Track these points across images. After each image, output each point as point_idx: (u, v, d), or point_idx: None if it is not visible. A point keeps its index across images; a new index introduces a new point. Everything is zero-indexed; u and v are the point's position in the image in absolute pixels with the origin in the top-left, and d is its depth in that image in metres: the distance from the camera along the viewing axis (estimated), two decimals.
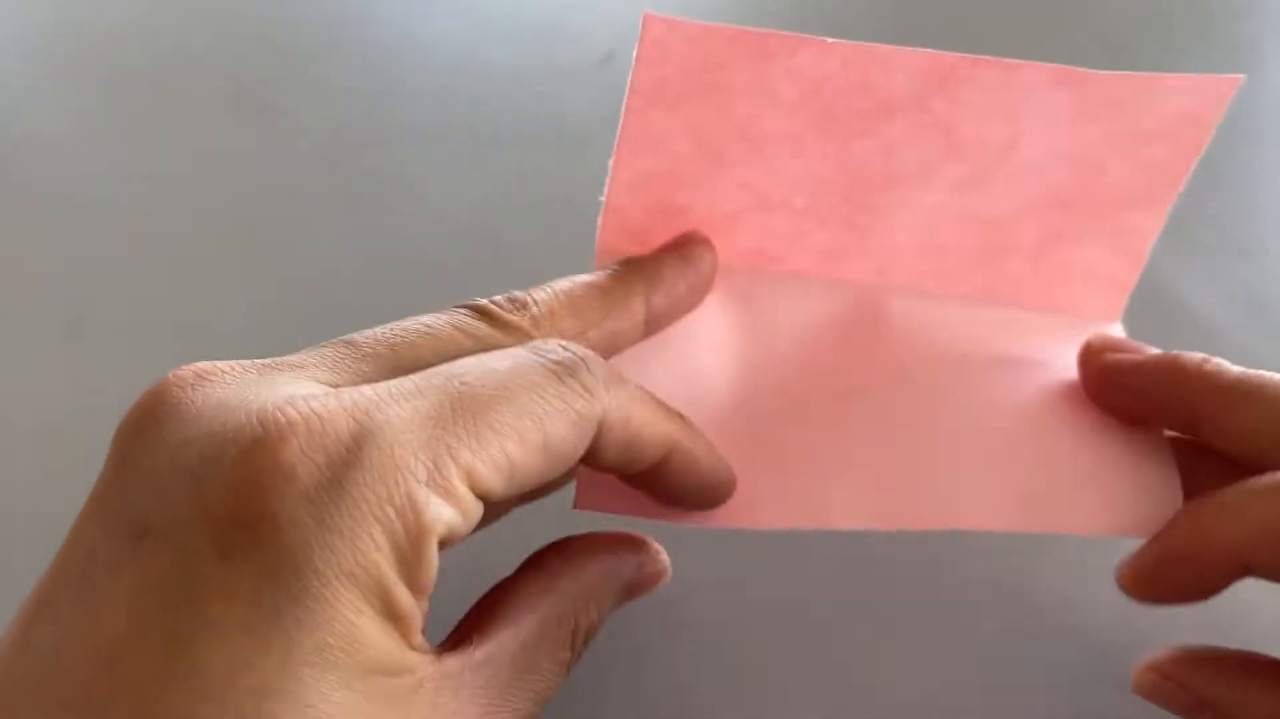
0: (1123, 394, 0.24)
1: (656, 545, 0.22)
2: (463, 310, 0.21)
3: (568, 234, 0.38)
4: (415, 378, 0.18)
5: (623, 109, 0.23)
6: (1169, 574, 0.22)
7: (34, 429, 0.32)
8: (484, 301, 0.21)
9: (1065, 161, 0.25)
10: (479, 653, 0.18)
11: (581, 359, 0.19)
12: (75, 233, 0.38)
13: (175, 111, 0.44)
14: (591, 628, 0.20)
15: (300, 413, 0.16)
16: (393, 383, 0.18)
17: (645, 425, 0.20)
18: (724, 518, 0.23)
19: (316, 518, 0.16)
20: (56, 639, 0.16)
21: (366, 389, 0.17)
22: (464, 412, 0.17)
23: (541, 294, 0.22)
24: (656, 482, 0.21)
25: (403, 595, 0.17)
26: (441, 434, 0.17)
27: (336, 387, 0.18)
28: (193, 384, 0.18)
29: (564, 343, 0.19)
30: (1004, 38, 0.49)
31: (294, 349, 0.36)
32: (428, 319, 0.20)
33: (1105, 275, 0.26)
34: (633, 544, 0.22)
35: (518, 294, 0.21)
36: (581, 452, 0.19)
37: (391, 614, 0.16)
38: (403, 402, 0.17)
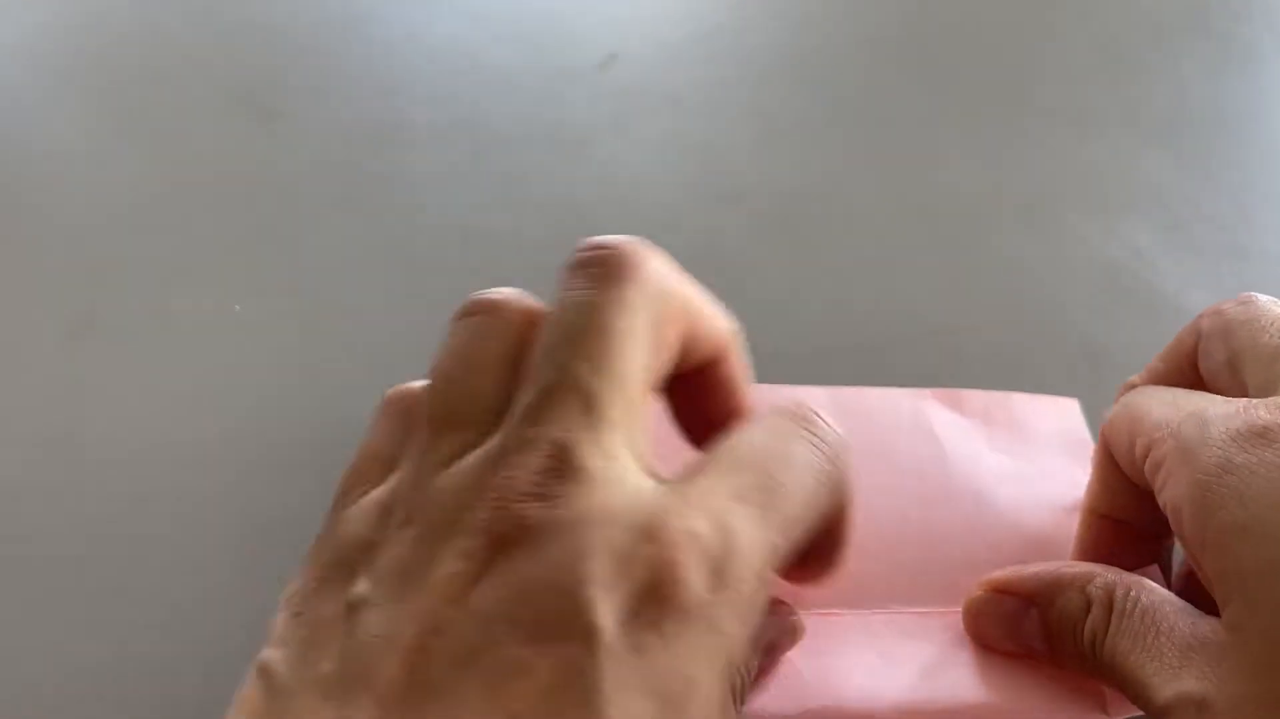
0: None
1: (790, 607, 0.24)
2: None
3: (568, 234, 0.38)
4: (736, 474, 0.19)
5: None
6: None
7: (35, 429, 0.32)
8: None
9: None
10: None
11: (809, 414, 0.21)
12: (78, 233, 0.38)
13: (178, 113, 0.44)
14: (743, 688, 0.21)
15: (685, 532, 0.18)
16: (724, 482, 0.19)
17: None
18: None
19: (703, 621, 0.17)
20: None
21: (711, 494, 0.19)
22: (775, 505, 0.19)
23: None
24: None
25: (745, 681, 0.19)
26: (768, 534, 0.19)
27: (642, 462, 0.19)
28: (537, 502, 0.18)
29: (832, 423, 0.21)
30: (1003, 41, 0.49)
31: (295, 349, 0.36)
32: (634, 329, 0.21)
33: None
34: (773, 606, 0.23)
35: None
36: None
37: (737, 700, 0.19)
38: (740, 505, 0.19)
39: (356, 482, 0.21)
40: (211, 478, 0.31)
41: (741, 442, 0.20)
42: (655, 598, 0.17)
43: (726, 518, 0.18)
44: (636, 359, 0.20)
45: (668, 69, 0.47)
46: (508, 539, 0.17)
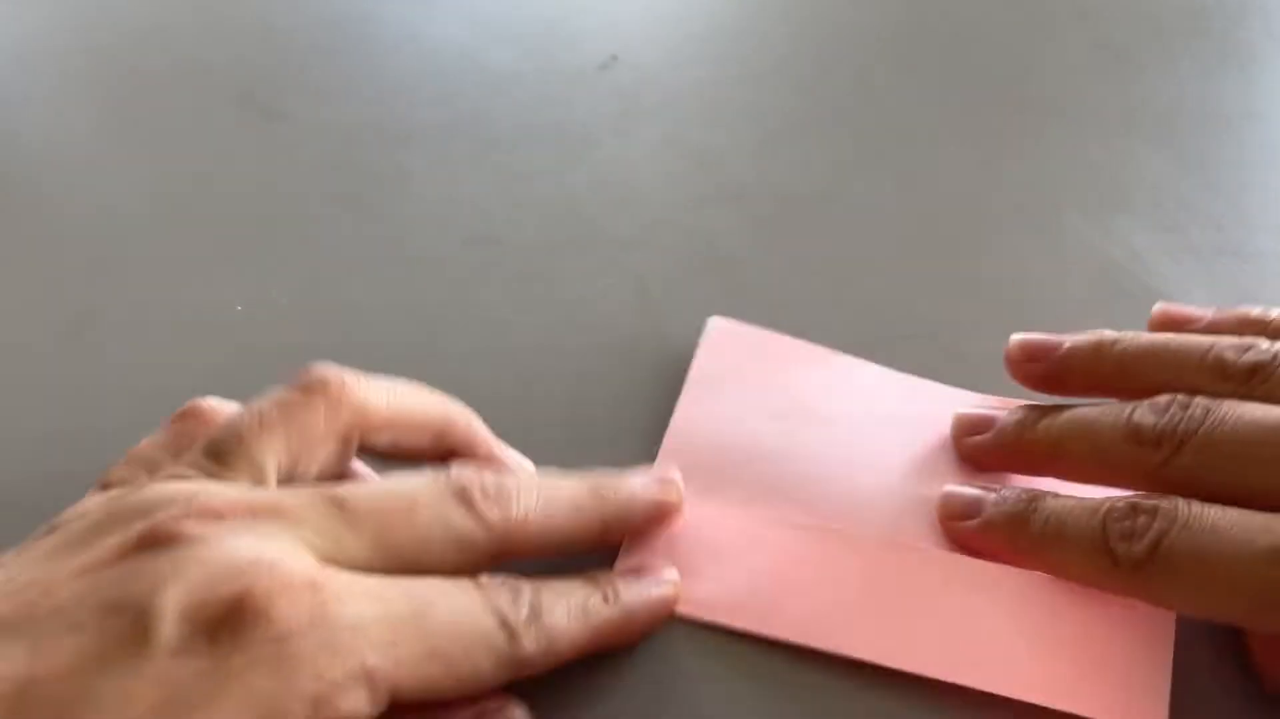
0: (992, 468, 0.28)
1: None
2: (469, 518, 0.23)
3: (568, 235, 0.38)
4: (391, 585, 0.21)
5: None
6: None
7: (36, 428, 0.32)
8: (483, 510, 0.23)
9: None
10: None
11: (533, 613, 0.22)
12: (79, 233, 0.38)
13: (179, 113, 0.44)
14: None
15: (301, 574, 0.20)
16: (373, 582, 0.21)
17: (564, 652, 0.23)
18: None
19: (271, 652, 0.18)
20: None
21: (353, 581, 0.20)
22: (419, 637, 0.20)
23: (526, 515, 0.24)
24: None
25: None
26: (395, 644, 0.20)
27: (322, 556, 0.21)
28: (210, 517, 0.21)
29: (520, 596, 0.22)
30: (1003, 41, 0.49)
31: (296, 350, 0.36)
32: (420, 496, 0.23)
33: None
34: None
35: (504, 515, 0.23)
36: (494, 682, 0.21)
37: None
38: (378, 604, 0.20)
39: (114, 479, 0.25)
40: None
41: (419, 578, 0.22)
42: (229, 619, 0.19)
43: (329, 587, 0.20)
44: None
45: (668, 70, 0.47)
46: (157, 539, 0.20)
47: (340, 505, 0.22)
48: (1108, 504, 0.24)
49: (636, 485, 0.26)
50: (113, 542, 0.20)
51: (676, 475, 0.27)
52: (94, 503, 0.23)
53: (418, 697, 0.20)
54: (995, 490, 0.27)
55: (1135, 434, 0.24)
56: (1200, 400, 0.24)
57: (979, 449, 0.28)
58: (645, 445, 0.31)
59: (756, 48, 0.48)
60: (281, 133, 0.43)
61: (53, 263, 0.37)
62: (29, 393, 0.33)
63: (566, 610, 0.23)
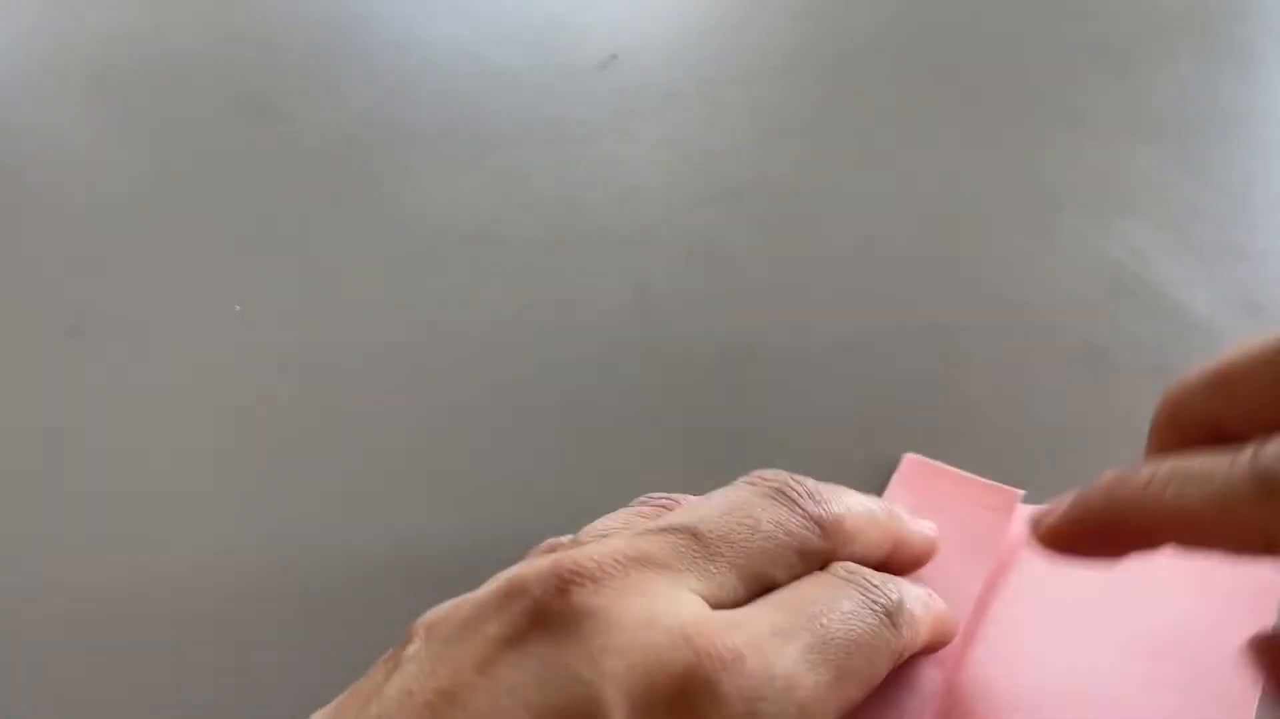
0: (1072, 549, 0.24)
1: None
2: (798, 518, 0.22)
3: (568, 234, 0.38)
4: (783, 613, 0.20)
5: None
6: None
7: (35, 427, 0.32)
8: (809, 508, 0.22)
9: None
10: None
11: (901, 601, 0.21)
12: (79, 234, 0.38)
13: (178, 114, 0.44)
14: None
15: (726, 647, 0.18)
16: (770, 617, 0.20)
17: (921, 642, 0.22)
18: None
19: None
20: None
21: (756, 624, 0.19)
22: (830, 659, 0.19)
23: (844, 513, 0.23)
24: None
25: None
26: (815, 682, 0.19)
27: (709, 599, 0.20)
28: (596, 584, 0.19)
29: (890, 584, 0.22)
30: (1003, 41, 0.49)
31: (295, 349, 0.36)
32: (763, 517, 0.22)
33: None
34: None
35: (827, 512, 0.23)
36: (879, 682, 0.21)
37: None
38: (788, 645, 0.19)
39: None
40: (210, 477, 0.30)
41: (789, 589, 0.21)
42: (681, 706, 0.17)
43: (774, 651, 0.19)
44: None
45: (668, 69, 0.47)
46: (551, 619, 0.18)
47: (696, 537, 0.21)
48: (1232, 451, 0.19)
49: (909, 519, 0.25)
50: (500, 630, 0.18)
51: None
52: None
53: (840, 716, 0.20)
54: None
55: (1266, 484, 0.18)
56: None
57: (1053, 530, 0.23)
58: (645, 445, 0.31)
59: (756, 48, 0.48)
60: (281, 133, 0.43)
61: (52, 263, 0.37)
62: (29, 393, 0.33)
63: (916, 598, 0.22)
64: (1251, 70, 0.47)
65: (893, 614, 0.21)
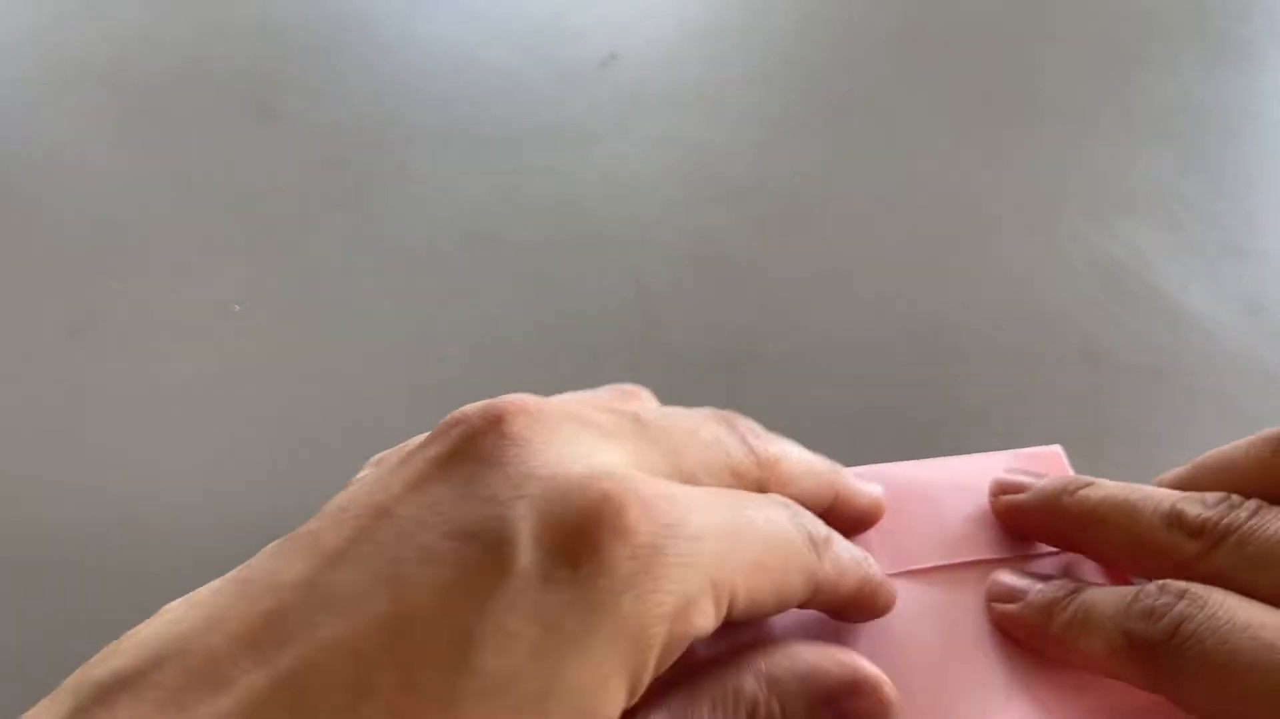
0: (1026, 530, 0.27)
1: (884, 682, 0.21)
2: (737, 440, 0.23)
3: (568, 234, 0.38)
4: (711, 494, 0.20)
5: None
6: None
7: (35, 428, 0.32)
8: (749, 439, 0.23)
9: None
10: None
11: (828, 537, 0.22)
12: (79, 234, 0.38)
13: (178, 114, 0.44)
14: (638, 681, 0.20)
15: (642, 486, 0.19)
16: (697, 491, 0.20)
17: (832, 603, 0.23)
18: None
19: (633, 576, 0.17)
20: (352, 591, 0.17)
21: (679, 488, 0.20)
22: (747, 545, 0.20)
23: (782, 454, 0.24)
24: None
25: (649, 672, 0.18)
26: (731, 550, 0.19)
27: (638, 469, 0.20)
28: (529, 421, 0.20)
29: (821, 523, 0.22)
30: (1003, 41, 0.49)
31: (295, 349, 0.36)
32: (704, 429, 0.22)
33: None
34: (853, 666, 0.21)
35: (765, 449, 0.23)
36: (796, 602, 0.21)
37: (634, 684, 0.18)
38: (709, 512, 0.19)
39: None
40: (211, 477, 0.31)
41: (722, 489, 0.21)
42: (587, 539, 0.17)
43: (686, 504, 0.19)
44: None
45: (668, 68, 0.47)
46: (475, 449, 0.19)
47: (639, 422, 0.21)
48: (1138, 588, 0.23)
49: (854, 478, 0.26)
50: (435, 451, 0.19)
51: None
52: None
53: (743, 614, 0.19)
54: (1044, 580, 0.26)
55: (1177, 520, 0.24)
56: (1251, 502, 0.23)
57: (1013, 507, 0.27)
58: None
59: (757, 47, 0.48)
60: (281, 133, 0.43)
61: (52, 263, 0.37)
62: (29, 393, 0.33)
63: (849, 549, 0.23)
64: (1253, 70, 0.47)
65: (816, 541, 0.21)
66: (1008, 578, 0.26)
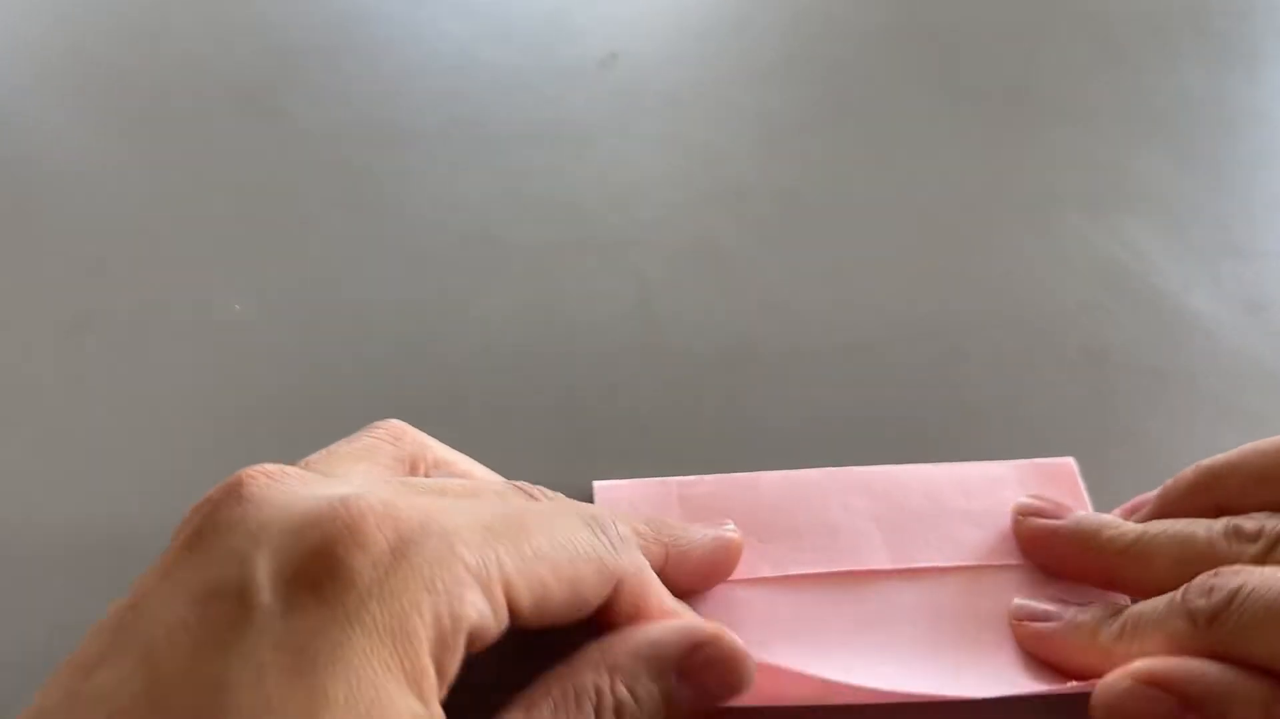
0: (1048, 558, 0.27)
1: (721, 633, 0.21)
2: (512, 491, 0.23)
3: (568, 234, 0.38)
4: (477, 501, 0.21)
5: None
6: None
7: (35, 427, 0.32)
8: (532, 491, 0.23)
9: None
10: None
11: (610, 521, 0.21)
12: (78, 234, 0.38)
13: (178, 113, 0.44)
14: (625, 704, 0.20)
15: (377, 499, 0.19)
16: (461, 500, 0.20)
17: (654, 595, 0.22)
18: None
19: (377, 581, 0.18)
20: (110, 686, 0.17)
21: (433, 498, 0.20)
22: (513, 531, 0.19)
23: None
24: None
25: (428, 667, 0.18)
26: (492, 541, 0.19)
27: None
28: (268, 481, 0.20)
29: (604, 510, 0.22)
30: (1003, 40, 0.49)
31: (296, 350, 0.36)
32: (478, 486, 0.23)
33: None
34: (687, 628, 0.22)
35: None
36: (600, 600, 0.21)
37: (415, 681, 0.18)
38: (463, 507, 0.20)
39: None
40: (211, 477, 0.30)
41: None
42: (325, 564, 0.18)
43: (434, 507, 0.19)
44: None
45: (668, 68, 0.47)
46: (211, 525, 0.19)
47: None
48: (1184, 587, 0.23)
49: (695, 527, 0.26)
50: (182, 537, 0.19)
51: (733, 529, 0.27)
52: None
53: (533, 609, 0.19)
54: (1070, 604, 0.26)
55: (1235, 532, 0.24)
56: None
57: (1046, 532, 0.27)
58: (644, 445, 0.31)
59: (757, 46, 0.48)
60: (281, 132, 0.43)
61: (52, 263, 0.37)
62: (29, 393, 0.33)
63: (638, 534, 0.23)
64: (1253, 69, 0.47)
65: (605, 529, 0.21)
66: (1035, 603, 0.26)
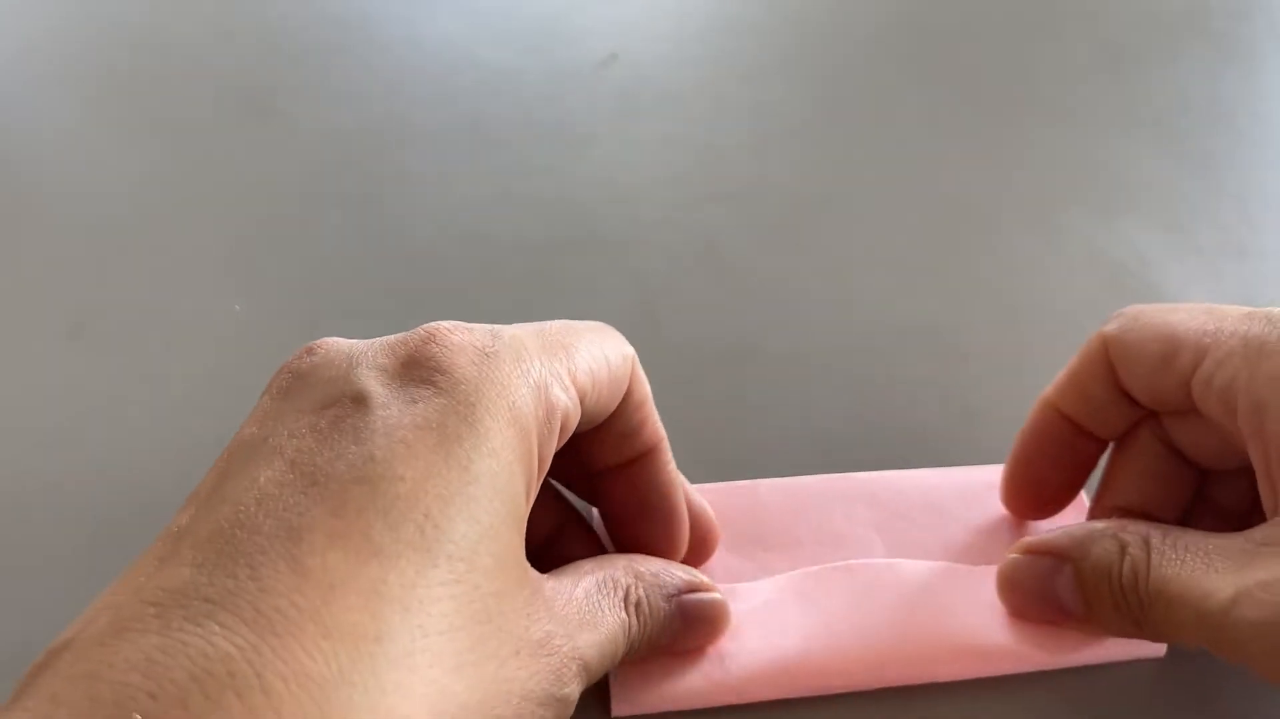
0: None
1: (709, 585, 0.25)
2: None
3: (568, 234, 0.38)
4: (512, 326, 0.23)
5: None
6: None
7: (35, 428, 0.32)
8: None
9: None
10: (551, 580, 0.22)
11: (608, 326, 0.24)
12: (78, 235, 0.38)
13: (178, 114, 0.44)
14: (641, 603, 0.23)
15: (452, 324, 0.21)
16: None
17: (652, 407, 0.25)
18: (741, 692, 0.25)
19: (483, 375, 0.20)
20: (249, 482, 0.18)
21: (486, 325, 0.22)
22: (556, 339, 0.22)
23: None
24: (645, 478, 0.25)
25: (535, 451, 0.20)
26: (547, 346, 0.22)
27: None
28: (333, 340, 0.22)
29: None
30: (1003, 41, 0.49)
31: (294, 349, 0.35)
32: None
33: None
34: (692, 573, 0.25)
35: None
36: (625, 382, 0.23)
37: (528, 464, 0.20)
38: (515, 329, 0.22)
39: None
40: None
41: None
42: (429, 363, 0.20)
43: (498, 327, 0.21)
44: None
45: (668, 69, 0.47)
46: (303, 367, 0.21)
47: None
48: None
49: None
50: (270, 391, 0.21)
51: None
52: None
53: (593, 400, 0.22)
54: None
55: None
56: None
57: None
58: None
59: (757, 47, 0.48)
60: (281, 133, 0.43)
61: (52, 263, 0.37)
62: (29, 393, 0.33)
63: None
64: (1253, 70, 0.47)
65: (608, 328, 0.24)
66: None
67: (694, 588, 0.24)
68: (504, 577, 0.19)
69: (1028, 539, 0.25)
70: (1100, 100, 0.45)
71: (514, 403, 0.20)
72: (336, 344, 0.22)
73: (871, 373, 0.33)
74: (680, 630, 0.24)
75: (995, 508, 0.28)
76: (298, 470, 0.18)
